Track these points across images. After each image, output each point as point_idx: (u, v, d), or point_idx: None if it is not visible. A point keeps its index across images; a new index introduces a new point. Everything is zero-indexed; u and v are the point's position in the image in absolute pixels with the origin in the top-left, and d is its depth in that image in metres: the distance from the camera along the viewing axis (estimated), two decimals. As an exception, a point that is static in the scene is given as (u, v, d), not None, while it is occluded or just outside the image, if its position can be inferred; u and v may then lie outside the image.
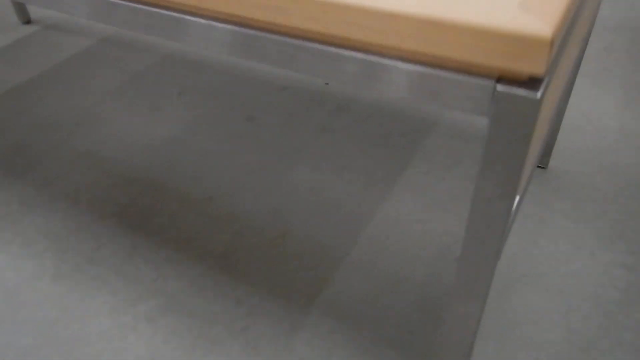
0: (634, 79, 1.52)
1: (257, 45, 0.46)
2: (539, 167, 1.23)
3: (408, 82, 0.41)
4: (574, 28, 0.47)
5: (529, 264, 1.02)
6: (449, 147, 1.31)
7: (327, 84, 1.56)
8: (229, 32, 0.47)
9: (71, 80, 1.60)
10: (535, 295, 0.97)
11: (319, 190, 1.19)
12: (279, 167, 1.26)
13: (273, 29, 0.45)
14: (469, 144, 1.32)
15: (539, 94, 0.36)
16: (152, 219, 1.14)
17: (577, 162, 1.24)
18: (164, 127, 1.40)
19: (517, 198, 0.52)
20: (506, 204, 0.43)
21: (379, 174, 1.23)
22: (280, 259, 1.05)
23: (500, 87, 0.37)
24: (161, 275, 1.02)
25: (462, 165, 1.26)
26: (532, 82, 0.37)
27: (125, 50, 1.74)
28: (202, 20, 0.48)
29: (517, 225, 1.10)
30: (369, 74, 0.42)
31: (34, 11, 1.98)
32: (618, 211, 1.12)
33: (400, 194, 1.18)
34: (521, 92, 0.36)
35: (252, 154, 1.30)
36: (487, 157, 0.40)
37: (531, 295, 0.97)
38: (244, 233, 1.10)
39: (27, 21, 1.90)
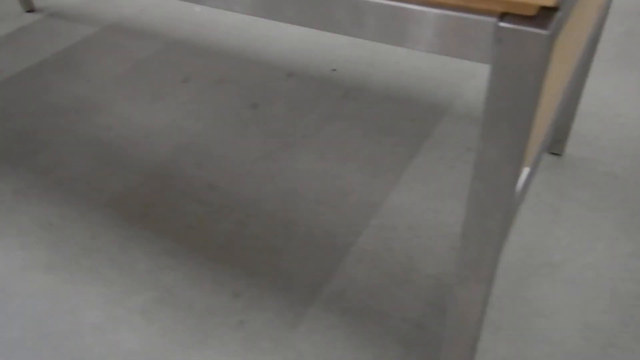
0: (655, 62, 1.45)
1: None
2: (554, 154, 1.17)
3: (397, 24, 0.36)
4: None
5: (545, 255, 0.97)
6: (461, 134, 1.25)
7: (334, 69, 1.51)
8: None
9: (74, 67, 1.57)
10: (551, 288, 0.92)
11: (325, 179, 1.15)
12: (284, 155, 1.22)
13: None
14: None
15: (549, 30, 0.31)
16: (151, 209, 1.10)
17: (594, 149, 1.18)
18: (166, 114, 1.36)
19: (527, 170, 0.47)
20: (512, 170, 0.38)
21: (388, 162, 1.18)
22: (283, 249, 1.00)
23: (503, 24, 0.32)
24: (157, 266, 0.98)
25: (474, 153, 1.20)
26: (542, 18, 0.32)
27: (129, 38, 1.70)
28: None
29: (532, 213, 1.05)
30: (358, 19, 0.37)
31: None
32: (638, 200, 1.06)
33: (410, 183, 1.13)
34: (528, 28, 0.31)
35: (256, 142, 1.26)
36: (489, 113, 0.35)
37: (547, 288, 0.92)
38: (246, 222, 1.06)
39: (31, 9, 1.87)
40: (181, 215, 1.08)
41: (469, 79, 1.44)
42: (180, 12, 1.83)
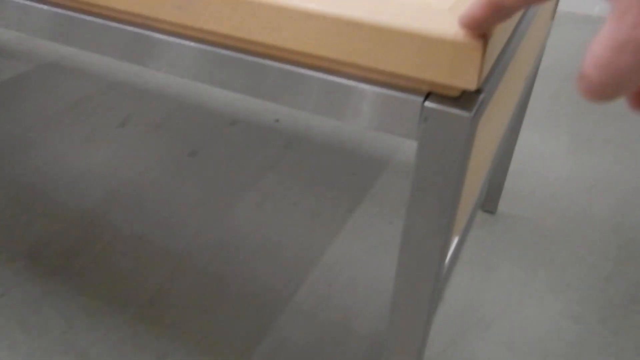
0: (579, 126, 1.53)
1: (163, 52, 0.40)
2: (487, 211, 1.20)
3: (329, 98, 0.36)
4: (514, 53, 0.43)
5: (478, 314, 0.97)
6: (400, 188, 1.26)
7: (277, 120, 1.51)
8: (125, 33, 0.41)
9: (3, 105, 1.50)
10: (484, 348, 0.92)
11: (262, 231, 1.13)
12: (221, 205, 1.19)
13: (178, 31, 0.39)
14: (418, 186, 1.28)
15: (472, 112, 0.31)
16: (72, 261, 1.04)
17: (525, 207, 1.22)
18: (99, 159, 1.31)
19: (456, 239, 0.47)
20: (439, 242, 0.38)
21: (327, 215, 1.18)
22: (214, 306, 0.97)
23: (428, 104, 0.32)
24: (72, 327, 0.92)
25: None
26: (465, 100, 0.32)
27: (66, 77, 1.65)
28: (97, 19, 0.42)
29: (466, 271, 1.05)
30: (288, 87, 0.37)
31: (-29, 34, 1.88)
32: (566, 257, 1.09)
33: (348, 237, 1.12)
34: (451, 109, 0.31)
35: (192, 191, 1.23)
36: (416, 187, 0.35)
37: (480, 347, 0.92)
38: (176, 276, 1.02)
39: (-38, 44, 1.80)
40: (105, 269, 1.03)
41: (408, 134, 1.46)
42: (121, 55, 1.80)
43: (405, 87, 0.34)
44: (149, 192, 1.22)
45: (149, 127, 1.44)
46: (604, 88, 0.25)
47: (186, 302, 0.97)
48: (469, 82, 0.31)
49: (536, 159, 1.38)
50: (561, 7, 2.30)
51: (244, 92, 0.39)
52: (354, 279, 1.03)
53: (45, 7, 0.44)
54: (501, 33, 0.35)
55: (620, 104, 1.63)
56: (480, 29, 0.30)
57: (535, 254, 1.10)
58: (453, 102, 0.32)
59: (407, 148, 1.40)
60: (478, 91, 0.33)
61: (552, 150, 1.41)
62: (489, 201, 1.18)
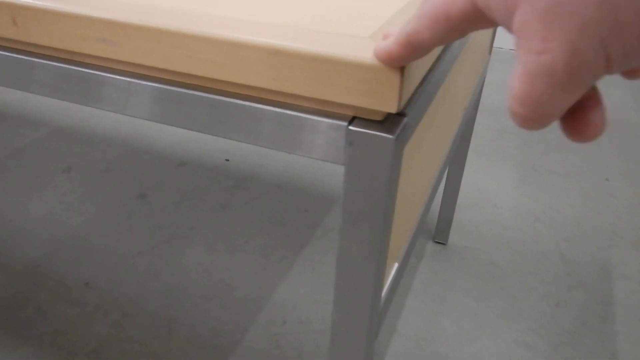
0: (525, 158, 1.58)
1: (90, 88, 0.40)
2: (439, 242, 1.21)
3: (259, 126, 0.36)
4: (442, 80, 0.45)
5: (432, 346, 0.97)
6: (350, 225, 1.26)
7: (227, 160, 1.50)
8: (57, 70, 0.40)
9: (-59, 155, 1.45)
10: (437, 381, 0.91)
11: (212, 272, 1.10)
12: (170, 248, 1.16)
13: (106, 65, 0.38)
14: (370, 221, 1.28)
15: (394, 135, 0.31)
16: (15, 313, 0.99)
17: (475, 238, 1.24)
18: (43, 206, 1.27)
19: (396, 265, 0.47)
20: (373, 268, 0.38)
21: (278, 253, 1.16)
22: (164, 352, 0.93)
23: (352, 127, 0.32)
24: (16, 377, 0.87)
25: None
26: (390, 124, 0.33)
27: (8, 125, 1.61)
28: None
29: (419, 304, 1.05)
30: (217, 118, 0.36)
31: None
32: (516, 287, 1.11)
33: (299, 274, 1.11)
34: (375, 132, 0.32)
35: (141, 235, 1.20)
36: (347, 212, 0.35)
37: (433, 381, 0.91)
38: (123, 324, 0.98)
39: None
40: (50, 319, 0.98)
41: (359, 170, 1.48)
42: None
43: (331, 113, 0.34)
44: (95, 238, 1.18)
45: (95, 172, 1.41)
46: (532, 120, 0.25)
47: (135, 349, 0.93)
48: (390, 106, 0.31)
49: (485, 191, 1.41)
50: (503, 44, 2.41)
51: (172, 124, 0.39)
52: (306, 316, 1.01)
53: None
54: (424, 59, 0.36)
55: (562, 136, 1.69)
56: (396, 64, 0.30)
57: (486, 284, 1.11)
58: (377, 125, 0.33)
59: (358, 184, 1.41)
60: (402, 114, 0.34)
61: (499, 183, 1.45)
62: (440, 233, 1.20)
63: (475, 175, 1.47)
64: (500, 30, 2.24)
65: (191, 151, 1.53)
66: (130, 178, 1.39)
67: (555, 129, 1.75)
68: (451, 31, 0.28)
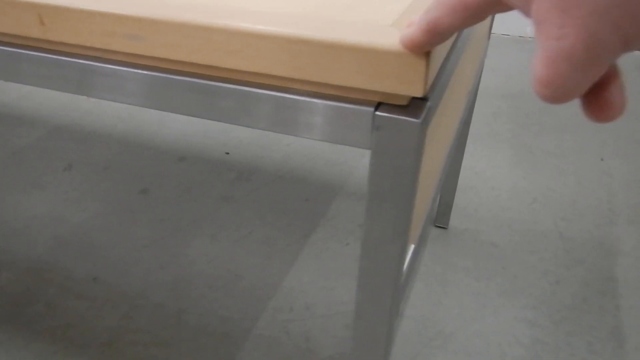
0: (520, 140, 1.60)
1: (117, 83, 0.41)
2: (440, 227, 1.23)
3: (285, 114, 0.37)
4: (456, 65, 0.46)
5: (437, 326, 0.99)
6: (352, 211, 1.28)
7: (227, 153, 1.51)
8: (76, 66, 0.41)
9: (-61, 156, 1.45)
10: (445, 358, 0.93)
11: (218, 263, 1.12)
12: (175, 240, 1.18)
13: (133, 61, 0.40)
14: (370, 208, 1.30)
15: (420, 119, 0.33)
16: (25, 309, 1.00)
17: (475, 220, 1.26)
18: (45, 204, 1.28)
19: (412, 247, 0.49)
20: (398, 247, 0.39)
21: (282, 243, 1.18)
22: (174, 341, 0.95)
23: (379, 113, 0.34)
24: (32, 372, 0.89)
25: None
26: (414, 108, 0.34)
27: (6, 126, 1.61)
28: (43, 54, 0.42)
29: (423, 286, 1.08)
30: (244, 108, 0.38)
31: None
32: (516, 266, 1.13)
33: (305, 262, 1.13)
34: (402, 117, 0.33)
35: (145, 229, 1.21)
36: (372, 194, 0.36)
37: (441, 359, 0.93)
38: (132, 315, 0.99)
39: None
40: (59, 313, 0.99)
41: (360, 157, 1.50)
42: (65, 99, 1.77)
43: (357, 99, 0.36)
44: (100, 234, 1.19)
45: (96, 169, 1.42)
46: (556, 98, 0.26)
47: (144, 339, 0.94)
48: (417, 90, 0.33)
49: (482, 174, 1.43)
50: (496, 29, 2.42)
51: (199, 116, 0.40)
52: (313, 302, 1.03)
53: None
54: (443, 45, 0.37)
55: (556, 117, 1.72)
56: (420, 50, 0.32)
57: (487, 264, 1.14)
58: (402, 110, 0.34)
59: (360, 173, 1.43)
60: (425, 99, 0.35)
61: (495, 165, 1.47)
62: (441, 216, 1.22)
63: (472, 158, 1.50)
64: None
65: (191, 146, 1.54)
66: (131, 174, 1.40)
67: (549, 110, 1.78)
68: (470, 17, 0.29)
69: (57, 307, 1.00)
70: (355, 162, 1.48)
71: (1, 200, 1.28)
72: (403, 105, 0.35)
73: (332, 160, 1.48)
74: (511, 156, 1.51)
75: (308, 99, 0.36)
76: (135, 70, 0.40)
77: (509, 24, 2.37)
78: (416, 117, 0.34)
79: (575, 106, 1.79)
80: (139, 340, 0.95)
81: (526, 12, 0.27)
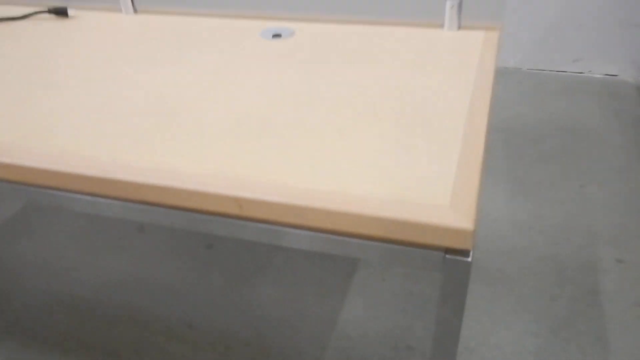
0: (514, 173, 1.90)
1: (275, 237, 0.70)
2: (455, 259, 1.53)
3: (384, 257, 0.66)
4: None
5: (462, 343, 1.29)
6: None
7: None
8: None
9: (25, 229, 1.73)
10: (472, 369, 1.23)
11: (284, 303, 1.41)
12: (244, 287, 1.46)
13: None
14: (397, 246, 1.60)
15: (469, 259, 0.63)
16: (143, 357, 1.29)
17: (481, 250, 1.56)
18: (126, 264, 1.56)
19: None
20: (457, 321, 0.68)
21: (331, 282, 1.47)
22: (265, 372, 1.23)
23: (448, 256, 0.63)
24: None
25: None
26: (465, 251, 0.63)
27: (76, 193, 1.89)
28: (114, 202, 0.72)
29: (448, 312, 1.37)
30: (348, 252, 0.67)
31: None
32: (520, 288, 1.43)
33: (352, 297, 1.42)
34: (459, 258, 0.63)
35: (216, 279, 1.50)
36: (443, 296, 0.66)
37: (470, 370, 1.23)
38: (228, 354, 1.28)
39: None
40: (168, 357, 1.28)
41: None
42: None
43: (433, 248, 0.65)
44: (179, 284, 1.47)
45: (165, 229, 1.70)
46: None
47: (243, 374, 1.23)
48: (467, 246, 0.62)
49: (482, 205, 1.73)
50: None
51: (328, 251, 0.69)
52: (364, 331, 1.32)
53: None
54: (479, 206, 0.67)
55: (542, 148, 2.02)
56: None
57: (496, 288, 1.43)
58: (459, 253, 0.64)
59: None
60: (471, 247, 0.65)
61: (495, 197, 1.76)
62: (456, 251, 1.51)
63: (475, 194, 1.79)
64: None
65: (238, 200, 1.82)
66: (196, 232, 1.69)
67: (535, 142, 2.07)
68: None
69: (167, 352, 1.29)
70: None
71: (91, 262, 1.57)
72: (459, 250, 0.64)
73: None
74: (508, 189, 1.81)
75: (401, 248, 0.65)
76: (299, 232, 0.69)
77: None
78: (467, 258, 0.63)
79: (559, 136, 2.09)
80: (238, 373, 1.23)
81: None
